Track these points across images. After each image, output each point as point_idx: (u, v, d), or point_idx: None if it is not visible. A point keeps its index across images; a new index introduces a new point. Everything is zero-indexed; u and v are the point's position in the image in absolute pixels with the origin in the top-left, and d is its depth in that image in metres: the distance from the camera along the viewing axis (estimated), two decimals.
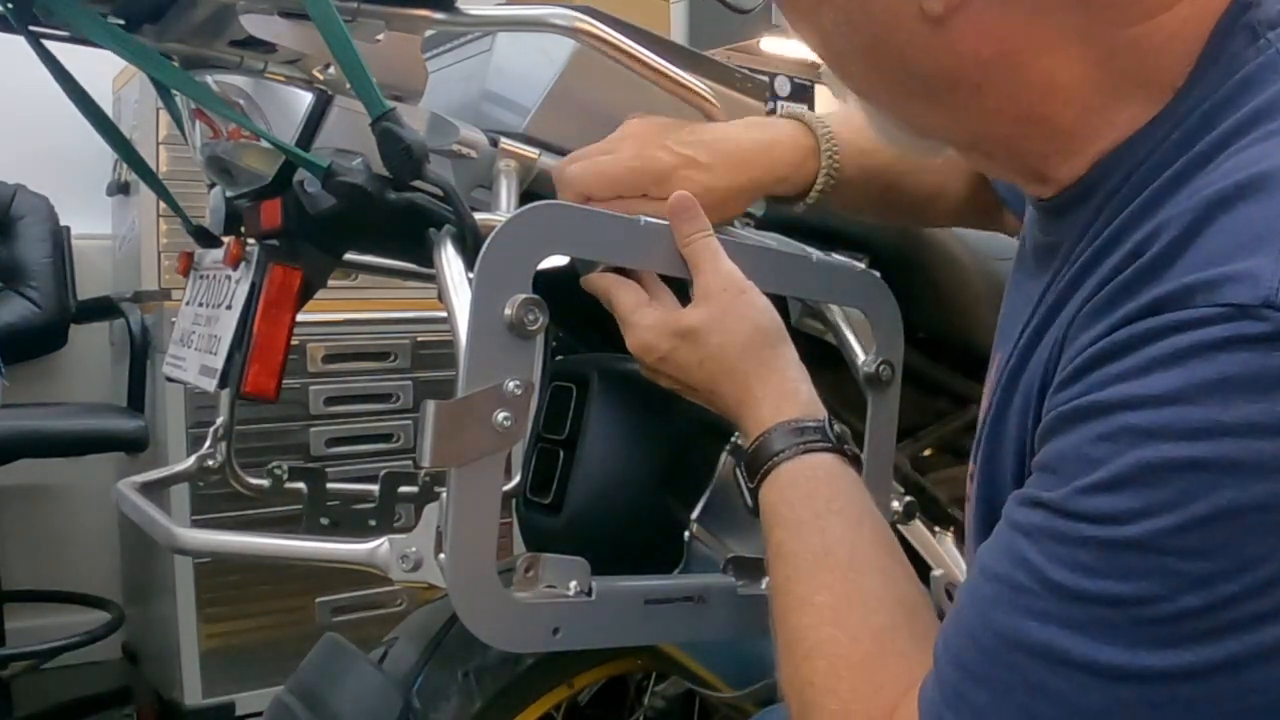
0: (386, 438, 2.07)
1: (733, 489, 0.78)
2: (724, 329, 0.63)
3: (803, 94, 2.99)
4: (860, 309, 0.77)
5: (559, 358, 0.91)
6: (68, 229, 2.30)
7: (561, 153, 0.70)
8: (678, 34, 3.30)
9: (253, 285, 0.69)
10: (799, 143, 0.76)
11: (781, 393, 0.62)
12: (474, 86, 0.77)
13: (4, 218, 2.23)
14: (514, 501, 0.85)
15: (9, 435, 1.82)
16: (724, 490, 0.77)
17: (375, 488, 0.99)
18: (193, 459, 0.93)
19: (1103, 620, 0.40)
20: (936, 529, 1.01)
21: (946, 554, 0.99)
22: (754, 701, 0.84)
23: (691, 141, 0.69)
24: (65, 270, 2.26)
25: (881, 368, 0.75)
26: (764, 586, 0.70)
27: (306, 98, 0.66)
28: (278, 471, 0.96)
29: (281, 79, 0.69)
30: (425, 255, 0.63)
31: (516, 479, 0.87)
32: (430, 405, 0.55)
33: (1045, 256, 0.55)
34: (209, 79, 0.68)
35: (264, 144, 0.66)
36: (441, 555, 0.58)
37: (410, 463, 0.90)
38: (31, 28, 0.67)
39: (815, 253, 0.78)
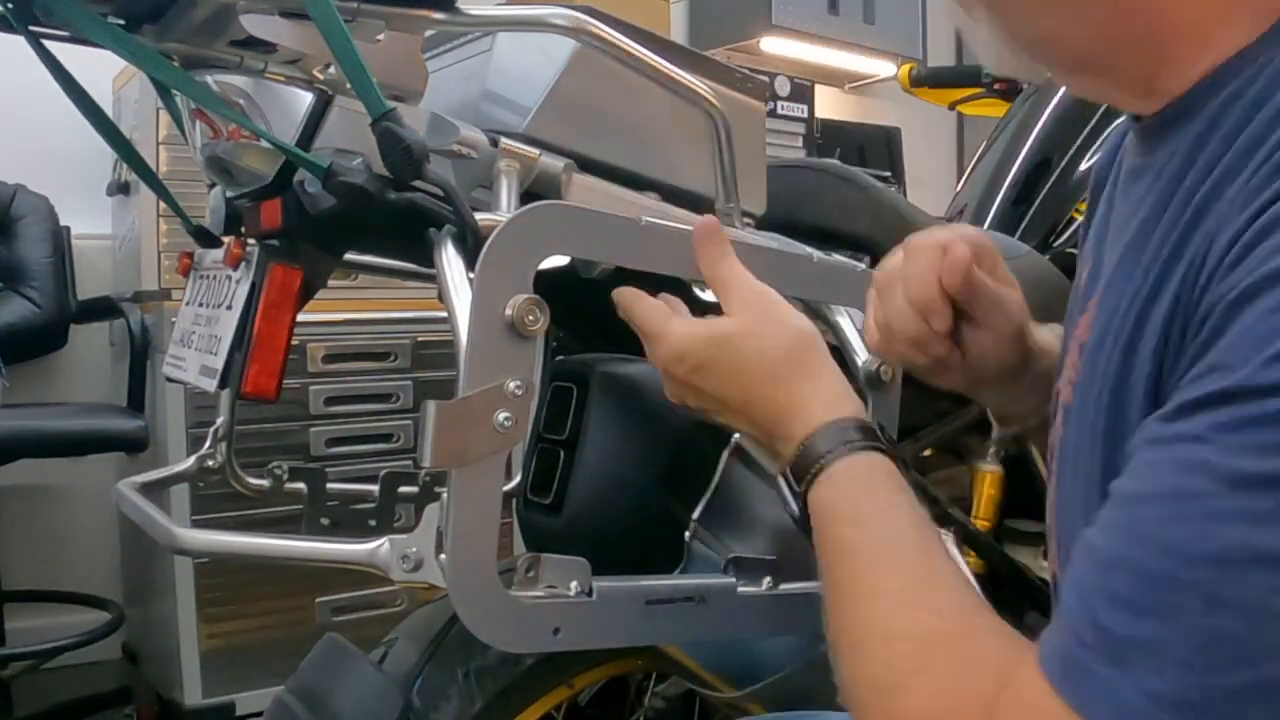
0: (386, 438, 2.07)
1: (733, 489, 0.78)
2: (763, 334, 0.62)
3: (803, 94, 2.99)
4: (860, 309, 0.77)
5: (559, 358, 0.91)
6: (68, 229, 2.30)
7: (562, 153, 0.70)
8: (678, 34, 3.30)
9: (253, 285, 0.69)
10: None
11: (832, 393, 0.61)
12: (474, 86, 0.77)
13: (4, 218, 2.23)
14: (514, 502, 0.85)
15: (9, 435, 1.82)
16: (724, 490, 0.77)
17: (375, 488, 0.99)
18: (193, 459, 0.93)
19: None
20: (937, 529, 1.01)
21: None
22: (754, 701, 0.84)
23: None
24: (65, 270, 2.26)
25: (881, 368, 0.75)
26: (764, 586, 0.70)
27: (306, 98, 0.66)
28: (278, 472, 0.96)
29: (281, 79, 0.69)
30: (425, 255, 0.63)
31: (517, 479, 0.87)
32: (431, 405, 0.55)
33: (1142, 176, 0.55)
34: (209, 79, 0.68)
35: (264, 144, 0.66)
36: (442, 555, 0.58)
37: (410, 463, 0.90)
38: (31, 28, 0.67)
39: (815, 253, 0.78)
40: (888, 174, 3.23)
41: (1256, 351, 0.39)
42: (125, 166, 2.12)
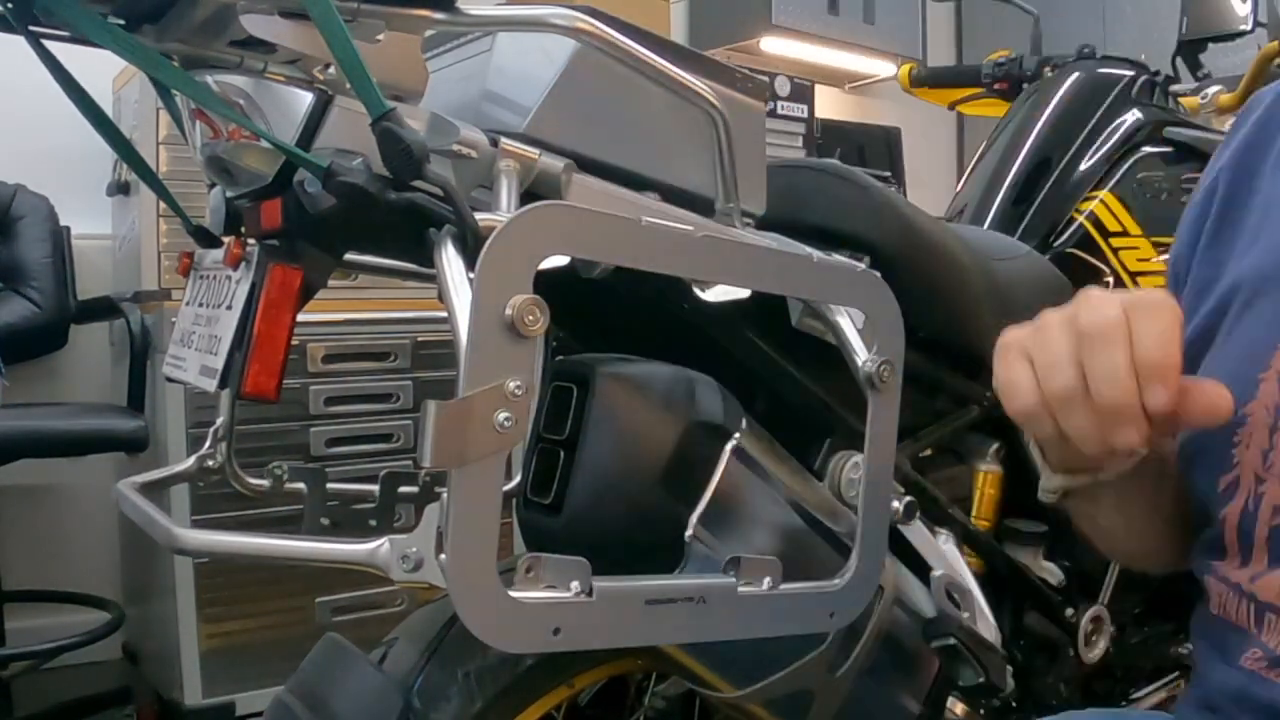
0: (386, 438, 2.07)
1: (733, 489, 0.78)
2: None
3: (803, 94, 2.99)
4: (860, 309, 0.77)
5: (559, 358, 0.91)
6: (68, 229, 2.30)
7: (562, 153, 0.70)
8: (678, 34, 3.30)
9: (253, 285, 0.69)
10: None
11: None
12: (474, 86, 0.77)
13: (4, 218, 2.23)
14: (514, 501, 0.85)
15: (9, 435, 1.82)
16: (724, 490, 0.77)
17: (375, 488, 0.99)
18: (193, 459, 0.92)
19: None
20: (936, 529, 1.01)
21: (946, 554, 0.99)
22: (754, 701, 0.84)
23: None
24: (65, 270, 2.26)
25: (882, 368, 0.75)
26: (764, 586, 0.70)
27: (306, 98, 0.66)
28: (278, 471, 0.96)
29: (281, 79, 0.69)
30: (425, 255, 0.63)
31: (517, 479, 0.87)
32: (431, 405, 0.55)
33: None
34: (209, 79, 0.68)
35: (264, 144, 0.66)
36: (442, 555, 0.58)
37: (410, 463, 0.90)
38: (31, 28, 0.67)
39: (815, 253, 0.78)
40: (888, 174, 3.23)
41: None
42: (125, 166, 2.12)
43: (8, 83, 1.81)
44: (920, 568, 0.94)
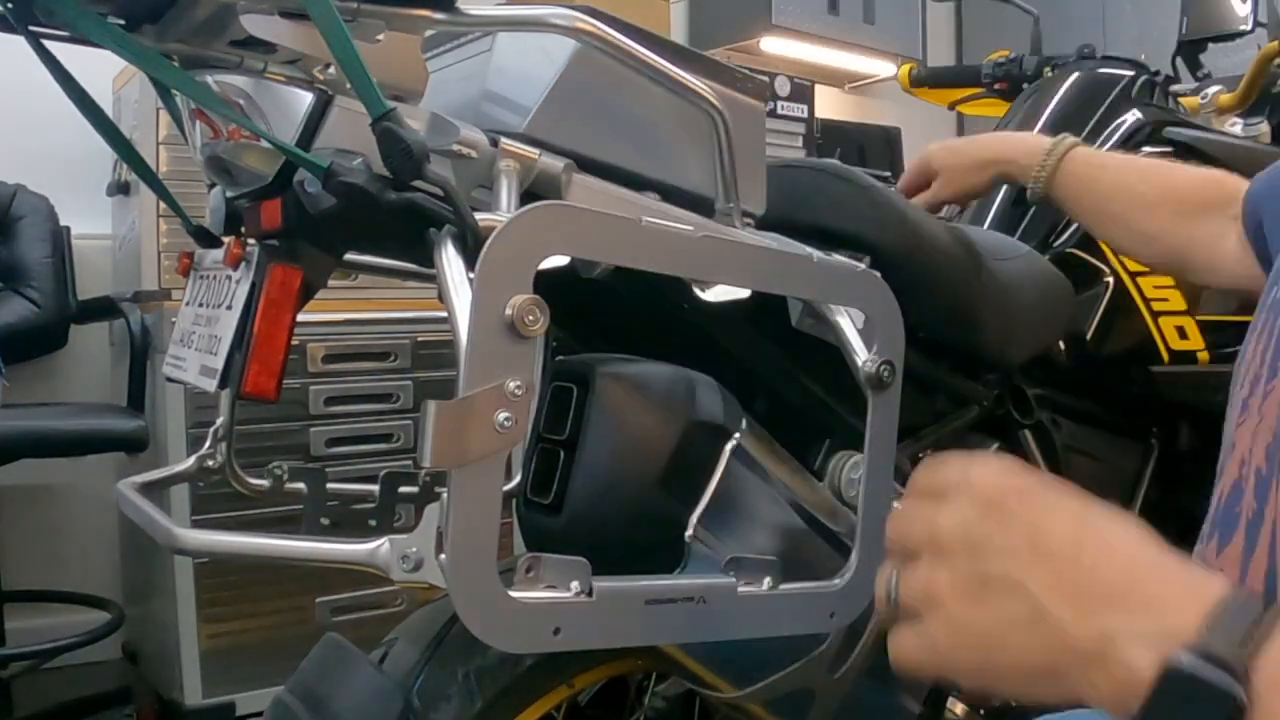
0: (386, 438, 2.07)
1: (733, 489, 0.78)
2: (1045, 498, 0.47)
3: (803, 94, 2.99)
4: (860, 309, 0.77)
5: (559, 358, 0.91)
6: (68, 229, 2.30)
7: (562, 153, 0.70)
8: (678, 34, 3.31)
9: (253, 285, 0.69)
10: (1032, 139, 1.09)
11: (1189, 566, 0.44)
12: (474, 86, 0.77)
13: (4, 218, 2.23)
14: (514, 501, 0.85)
15: (9, 435, 1.82)
16: (724, 490, 0.77)
17: (375, 488, 0.99)
18: (193, 459, 0.92)
19: None
20: None
21: None
22: (754, 701, 0.84)
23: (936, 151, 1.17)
24: (65, 270, 2.26)
25: (882, 368, 0.75)
26: (764, 586, 0.70)
27: (306, 98, 0.66)
28: (278, 472, 0.96)
29: (281, 79, 0.69)
30: (425, 255, 0.63)
31: (517, 479, 0.87)
32: (431, 405, 0.55)
33: None
34: (209, 79, 0.68)
35: (264, 144, 0.66)
36: (442, 555, 0.58)
37: (410, 463, 0.90)
38: (31, 28, 0.67)
39: (815, 253, 0.78)
40: (888, 174, 3.23)
41: None
42: (125, 166, 2.12)
43: (8, 83, 1.81)
44: None
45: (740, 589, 0.69)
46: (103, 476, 2.14)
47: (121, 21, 0.66)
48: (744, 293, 0.78)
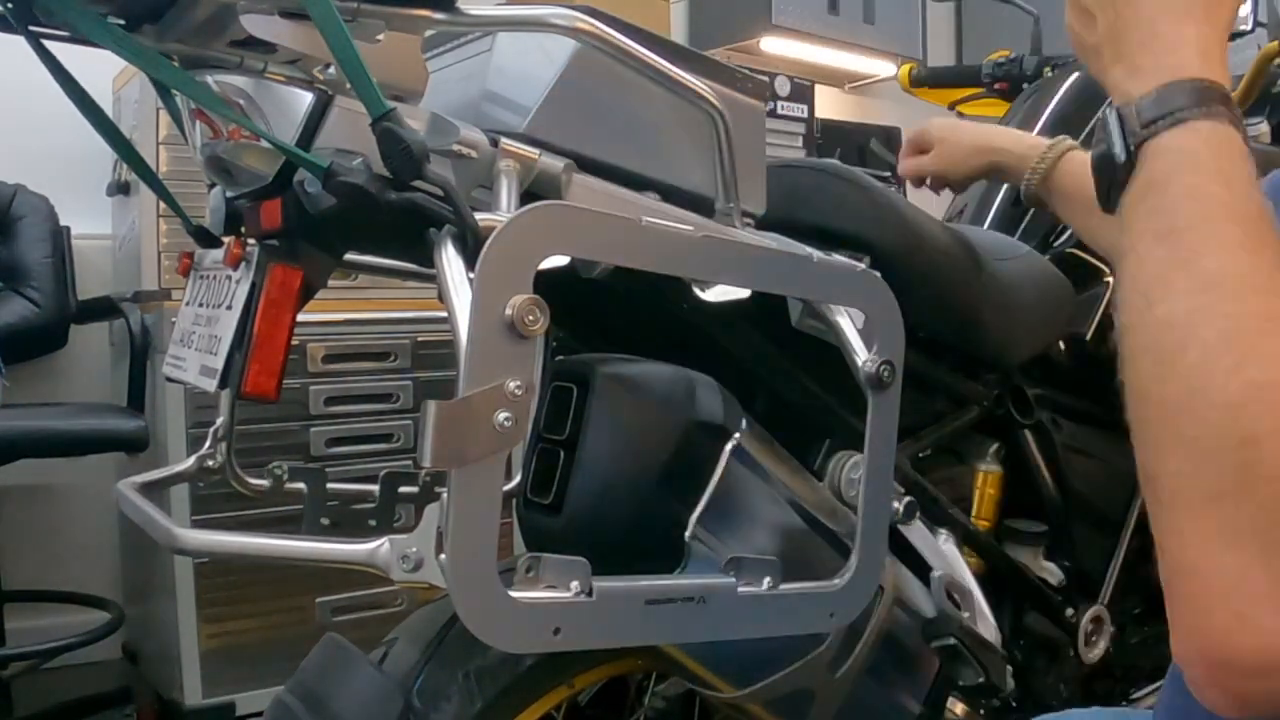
0: (386, 438, 2.07)
1: (733, 489, 0.78)
2: None
3: (802, 94, 2.99)
4: (860, 309, 0.77)
5: (559, 358, 0.91)
6: (68, 229, 2.30)
7: (562, 153, 0.70)
8: (678, 34, 3.30)
9: (253, 285, 0.69)
10: (1031, 137, 1.11)
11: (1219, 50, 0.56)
12: (474, 86, 0.77)
13: (4, 218, 2.23)
14: (514, 501, 0.85)
15: (9, 435, 1.82)
16: (724, 490, 0.77)
17: (375, 488, 0.99)
18: (193, 459, 0.92)
19: None
20: (936, 529, 1.01)
21: (946, 554, 0.99)
22: (754, 701, 0.84)
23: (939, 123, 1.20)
24: (65, 270, 2.26)
25: (882, 368, 0.75)
26: (764, 586, 0.70)
27: (306, 98, 0.66)
28: (278, 471, 0.96)
29: (281, 79, 0.69)
30: (425, 255, 0.63)
31: (517, 479, 0.87)
32: (431, 405, 0.55)
33: None
34: (209, 79, 0.68)
35: (264, 144, 0.66)
36: (442, 555, 0.58)
37: (410, 463, 0.90)
38: (31, 28, 0.67)
39: (815, 253, 0.78)
40: (888, 174, 3.23)
41: None
42: (125, 166, 2.12)
43: (8, 83, 1.81)
44: (920, 568, 0.94)
45: (740, 589, 0.69)
46: (103, 476, 2.14)
47: (121, 21, 0.66)
48: (744, 293, 0.78)
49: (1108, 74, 0.58)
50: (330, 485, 0.98)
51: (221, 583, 1.92)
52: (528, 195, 0.67)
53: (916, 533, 0.94)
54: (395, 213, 0.63)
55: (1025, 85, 1.62)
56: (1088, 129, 1.35)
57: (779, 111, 2.90)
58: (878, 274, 0.78)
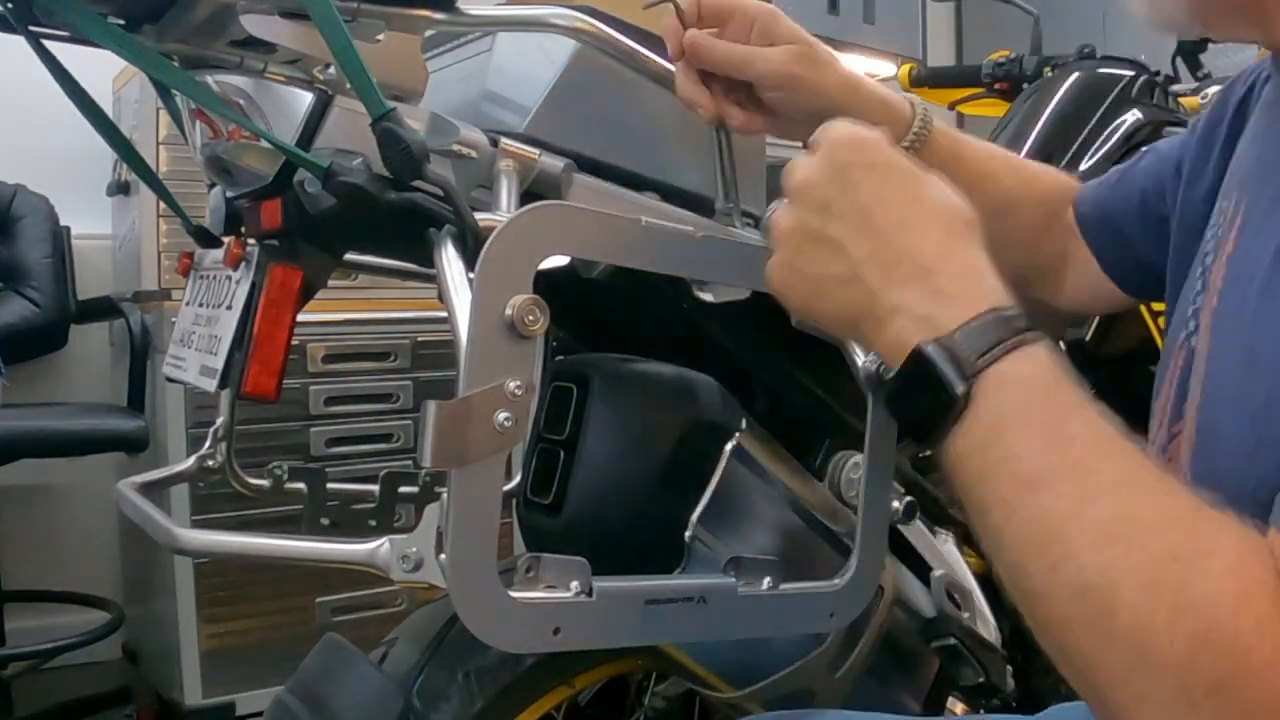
0: (386, 438, 2.07)
1: (733, 489, 0.78)
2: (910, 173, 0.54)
3: None
4: None
5: (559, 358, 0.91)
6: (68, 229, 2.30)
7: (562, 153, 0.70)
8: None
9: (253, 285, 0.69)
10: (893, 98, 0.80)
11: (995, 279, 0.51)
12: (474, 86, 0.77)
13: (4, 218, 2.24)
14: (514, 501, 0.85)
15: (9, 435, 1.82)
16: (724, 490, 0.77)
17: (375, 488, 0.99)
18: (193, 459, 0.92)
19: None
20: (936, 529, 1.01)
21: (946, 554, 0.99)
22: (754, 701, 0.84)
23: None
24: (65, 270, 2.27)
25: (882, 368, 0.75)
26: (764, 586, 0.70)
27: (306, 98, 0.66)
28: (278, 471, 0.96)
29: (281, 79, 0.69)
30: (425, 255, 0.63)
31: (517, 479, 0.87)
32: (431, 405, 0.55)
33: None
34: (209, 79, 0.68)
35: (264, 144, 0.66)
36: (442, 555, 0.58)
37: (410, 463, 0.90)
38: (31, 28, 0.67)
39: None
40: None
41: None
42: (125, 166, 2.12)
43: (8, 83, 1.81)
44: (920, 568, 0.94)
45: (740, 589, 0.69)
46: (103, 476, 2.14)
47: (121, 21, 0.66)
48: (744, 293, 0.78)
49: (878, 299, 0.51)
50: (330, 485, 0.99)
51: (221, 583, 1.92)
52: (528, 195, 0.67)
53: (916, 533, 0.94)
54: (395, 213, 0.63)
55: (1025, 85, 1.62)
56: (1088, 128, 1.35)
57: None
58: None
